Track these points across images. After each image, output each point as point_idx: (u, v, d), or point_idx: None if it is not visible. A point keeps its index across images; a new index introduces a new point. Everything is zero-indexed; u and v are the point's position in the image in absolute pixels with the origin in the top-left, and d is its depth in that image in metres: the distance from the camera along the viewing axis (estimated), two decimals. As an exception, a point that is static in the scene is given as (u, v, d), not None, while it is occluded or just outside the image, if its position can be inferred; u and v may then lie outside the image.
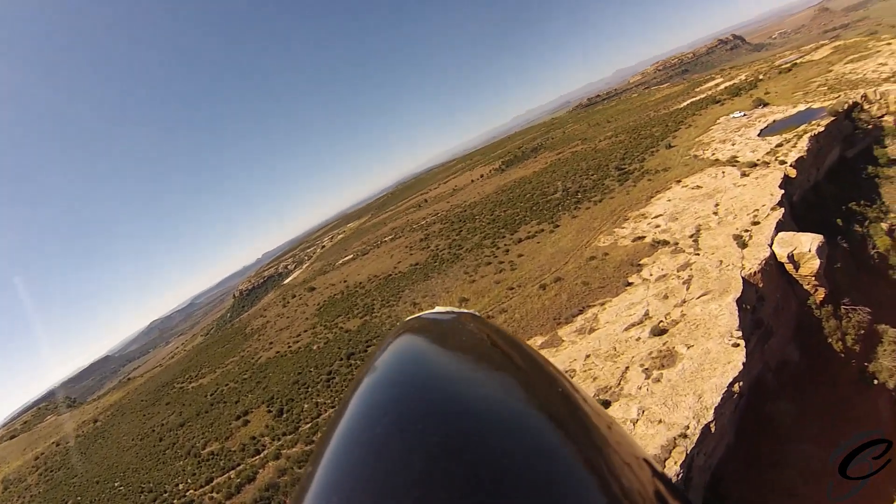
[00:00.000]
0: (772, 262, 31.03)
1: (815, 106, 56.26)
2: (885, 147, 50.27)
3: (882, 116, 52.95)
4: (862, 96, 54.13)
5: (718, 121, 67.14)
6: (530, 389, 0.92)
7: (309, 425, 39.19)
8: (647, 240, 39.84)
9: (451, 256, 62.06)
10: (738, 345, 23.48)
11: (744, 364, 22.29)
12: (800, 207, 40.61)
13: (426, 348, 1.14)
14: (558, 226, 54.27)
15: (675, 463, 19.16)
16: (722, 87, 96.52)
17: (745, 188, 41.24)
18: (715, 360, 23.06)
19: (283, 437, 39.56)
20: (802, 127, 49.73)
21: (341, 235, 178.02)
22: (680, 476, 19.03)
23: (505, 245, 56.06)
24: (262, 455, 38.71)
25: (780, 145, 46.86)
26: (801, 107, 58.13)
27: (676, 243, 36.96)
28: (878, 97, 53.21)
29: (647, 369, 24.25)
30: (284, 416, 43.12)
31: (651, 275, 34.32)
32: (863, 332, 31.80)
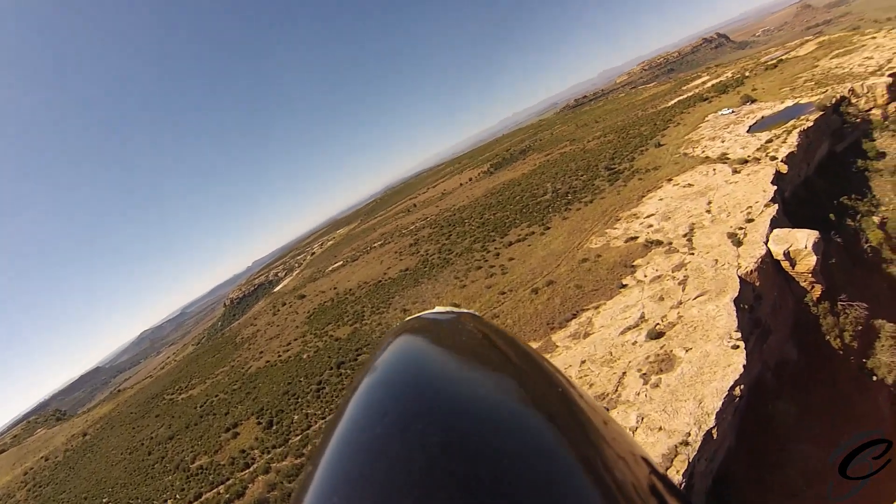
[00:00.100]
0: (768, 260, 30.49)
1: (803, 101, 56.12)
2: (874, 140, 50.22)
3: (870, 110, 52.92)
4: (849, 90, 54.05)
5: (707, 118, 66.91)
6: (530, 389, 0.93)
7: (299, 437, 38.25)
8: (640, 240, 39.25)
9: (440, 261, 61.33)
10: (737, 346, 22.84)
11: (744, 367, 21.65)
12: (791, 203, 40.23)
13: (426, 348, 1.13)
14: (549, 228, 53.63)
15: (677, 472, 18.45)
16: (709, 84, 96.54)
17: (737, 185, 40.80)
18: (715, 363, 22.40)
19: (272, 449, 38.60)
20: (791, 122, 49.51)
21: (331, 242, 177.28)
22: (682, 485, 18.34)
23: (495, 249, 55.35)
24: (251, 469, 37.74)
25: (770, 141, 46.54)
26: (789, 102, 57.94)
27: (670, 243, 36.38)
28: (866, 91, 53.17)
29: (644, 374, 23.55)
30: (274, 427, 42.15)
31: (645, 276, 33.68)
32: (860, 328, 31.39)
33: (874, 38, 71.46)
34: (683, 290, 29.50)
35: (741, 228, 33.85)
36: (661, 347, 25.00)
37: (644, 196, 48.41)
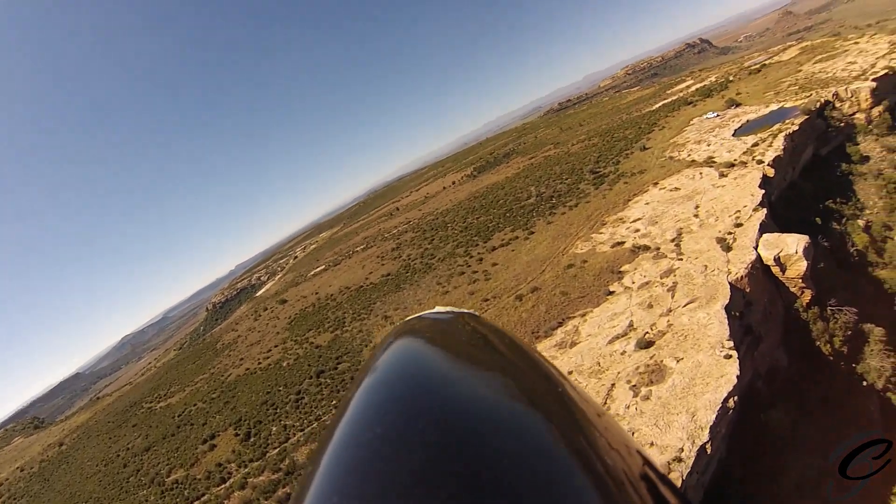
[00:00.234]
0: (758, 266, 29.90)
1: (788, 105, 56.13)
2: (858, 144, 50.34)
3: (854, 114, 52.98)
4: (833, 94, 54.06)
5: (692, 122, 66.69)
6: (530, 389, 0.94)
7: (277, 450, 36.90)
8: (627, 245, 38.53)
9: (423, 266, 60.38)
10: (730, 356, 22.03)
11: (738, 377, 20.83)
12: (778, 206, 39.92)
13: (426, 348, 1.14)
14: (533, 232, 52.79)
15: (671, 490, 17.54)
16: (693, 88, 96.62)
17: (724, 189, 40.31)
18: (707, 374, 21.57)
19: (249, 463, 37.24)
20: (777, 126, 49.46)
21: (314, 246, 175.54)
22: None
23: (478, 253, 54.40)
24: (227, 484, 36.39)
25: (756, 144, 46.27)
26: (774, 106, 57.91)
27: (658, 248, 35.69)
28: (850, 95, 53.18)
29: (634, 386, 22.64)
30: (252, 440, 40.81)
31: (633, 282, 32.90)
32: (850, 332, 31.07)
33: (857, 43, 71.87)
34: (673, 296, 28.73)
35: (730, 233, 33.26)
36: (651, 357, 24.13)
37: (630, 200, 47.80)
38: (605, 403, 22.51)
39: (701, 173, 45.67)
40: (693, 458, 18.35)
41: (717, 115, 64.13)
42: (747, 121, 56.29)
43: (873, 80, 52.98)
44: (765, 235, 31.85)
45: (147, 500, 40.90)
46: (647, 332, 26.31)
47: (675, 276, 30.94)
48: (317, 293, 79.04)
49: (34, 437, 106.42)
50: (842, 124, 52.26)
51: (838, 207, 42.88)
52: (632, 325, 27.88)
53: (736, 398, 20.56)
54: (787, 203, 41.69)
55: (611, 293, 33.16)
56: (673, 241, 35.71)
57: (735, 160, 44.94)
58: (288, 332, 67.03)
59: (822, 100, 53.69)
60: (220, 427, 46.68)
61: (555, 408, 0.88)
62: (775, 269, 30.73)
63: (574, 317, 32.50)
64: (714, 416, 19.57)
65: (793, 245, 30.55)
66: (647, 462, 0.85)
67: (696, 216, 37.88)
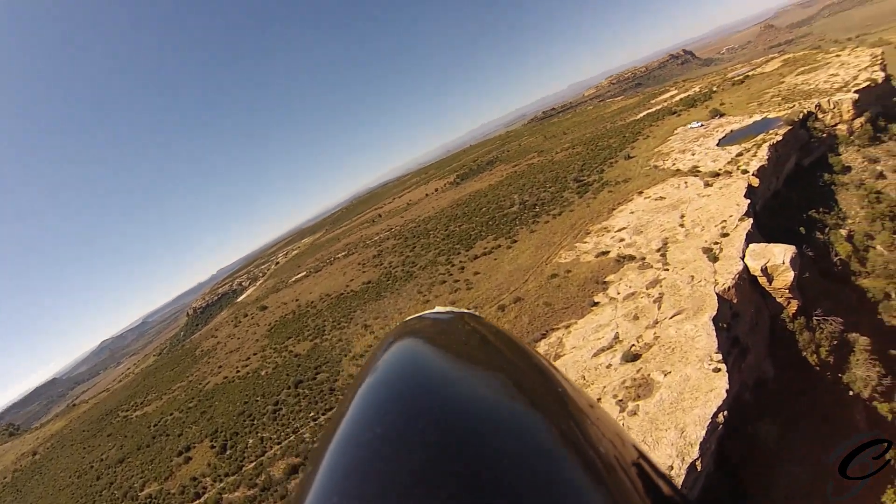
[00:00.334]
0: (745, 276, 29.53)
1: (771, 116, 56.44)
2: (840, 155, 50.80)
3: (836, 125, 53.47)
4: (816, 106, 54.49)
5: (676, 131, 66.86)
6: (530, 389, 0.95)
7: (253, 464, 35.76)
8: (612, 255, 38.06)
9: (404, 274, 59.61)
10: (719, 370, 21.47)
11: (727, 391, 20.29)
12: (762, 216, 39.87)
13: (427, 348, 1.14)
14: (516, 241, 52.18)
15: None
16: (677, 98, 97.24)
17: (709, 198, 40.11)
18: (696, 388, 20.99)
19: (225, 478, 36.10)
20: (761, 136, 49.65)
21: (296, 251, 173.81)
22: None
23: (460, 262, 53.60)
24: (202, 500, 35.29)
25: (740, 154, 46.32)
26: (757, 117, 58.22)
27: (643, 258, 35.23)
28: (832, 106, 53.64)
29: (621, 401, 21.97)
30: (228, 452, 39.65)
31: (619, 293, 32.34)
32: (835, 342, 30.89)
33: (839, 55, 72.82)
34: (659, 308, 28.20)
35: (716, 243, 32.91)
36: (638, 371, 23.50)
37: (615, 209, 47.46)
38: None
39: (686, 182, 45.50)
40: (683, 476, 17.74)
41: (702, 125, 64.35)
42: (731, 131, 56.48)
43: (855, 91, 53.47)
44: (751, 245, 31.57)
45: (119, 514, 39.59)
46: (634, 345, 25.72)
47: (661, 286, 30.45)
48: (297, 300, 78.02)
49: (8, 445, 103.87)
50: (824, 135, 52.69)
51: (821, 217, 43.00)
52: (617, 338, 27.29)
53: (725, 413, 20.01)
54: (771, 212, 41.71)
55: (595, 304, 32.58)
56: (658, 250, 35.28)
57: (720, 170, 44.88)
58: (267, 340, 65.95)
59: (805, 111, 54.10)
60: (196, 438, 45.46)
61: (555, 408, 0.88)
62: (762, 280, 30.42)
63: (558, 328, 31.85)
64: (704, 432, 18.98)
65: (780, 255, 30.27)
66: (647, 462, 0.85)
67: (681, 226, 37.55)
